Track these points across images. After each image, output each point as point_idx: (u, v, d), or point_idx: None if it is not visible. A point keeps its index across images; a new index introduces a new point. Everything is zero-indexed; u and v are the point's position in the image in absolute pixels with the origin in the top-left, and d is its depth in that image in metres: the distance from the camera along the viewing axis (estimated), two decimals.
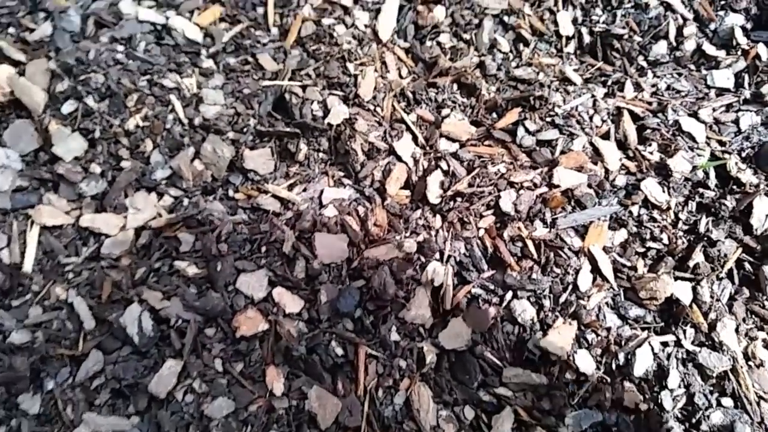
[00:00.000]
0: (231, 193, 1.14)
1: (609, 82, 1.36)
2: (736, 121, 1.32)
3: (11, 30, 1.21)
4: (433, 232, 1.11)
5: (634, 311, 1.09)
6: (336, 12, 1.34)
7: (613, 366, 1.04)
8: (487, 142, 1.23)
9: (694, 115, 1.31)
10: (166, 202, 1.12)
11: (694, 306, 1.09)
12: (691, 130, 1.27)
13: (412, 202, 1.16)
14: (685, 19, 1.46)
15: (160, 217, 1.09)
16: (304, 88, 1.22)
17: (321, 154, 1.18)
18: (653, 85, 1.37)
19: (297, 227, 1.09)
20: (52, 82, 1.16)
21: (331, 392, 0.99)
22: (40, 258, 1.05)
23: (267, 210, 1.11)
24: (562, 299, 1.07)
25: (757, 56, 1.41)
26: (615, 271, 1.12)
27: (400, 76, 1.30)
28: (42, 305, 1.02)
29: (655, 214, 1.17)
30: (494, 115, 1.27)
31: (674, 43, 1.43)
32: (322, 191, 1.14)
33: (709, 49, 1.43)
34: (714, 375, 1.03)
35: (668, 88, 1.37)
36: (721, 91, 1.38)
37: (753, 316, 1.11)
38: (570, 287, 1.08)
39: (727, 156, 1.25)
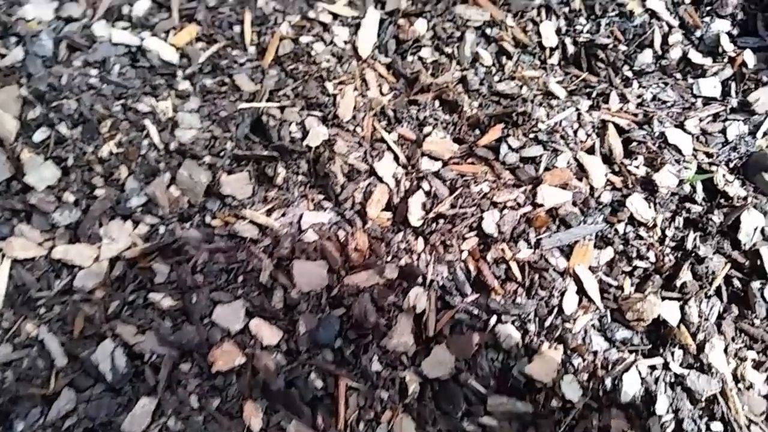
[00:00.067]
0: (208, 219, 1.11)
1: (594, 94, 1.33)
2: (723, 131, 1.30)
3: None
4: (415, 256, 1.09)
5: (621, 333, 1.07)
6: (314, 29, 1.31)
7: (600, 392, 1.01)
8: (469, 160, 1.20)
9: (681, 126, 1.29)
10: (142, 230, 1.09)
11: (682, 327, 1.07)
12: (678, 142, 1.25)
13: (394, 224, 1.13)
14: (670, 27, 1.44)
15: (135, 247, 1.07)
16: (282, 109, 1.19)
17: (300, 177, 1.15)
18: (639, 96, 1.34)
19: (275, 255, 1.06)
20: (23, 110, 1.14)
21: (311, 427, 0.97)
22: (11, 293, 1.03)
23: (244, 237, 1.08)
24: (547, 323, 1.05)
25: (744, 63, 1.38)
26: (601, 291, 1.09)
27: (381, 93, 1.27)
28: (12, 343, 0.99)
29: (642, 231, 1.14)
30: (477, 131, 1.24)
31: (660, 52, 1.41)
32: (301, 215, 1.12)
33: (695, 56, 1.41)
34: (703, 399, 1.01)
35: (654, 98, 1.35)
36: (708, 100, 1.36)
37: (742, 335, 1.09)
38: (555, 310, 1.06)
39: (714, 168, 1.22)
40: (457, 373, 1.02)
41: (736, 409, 1.00)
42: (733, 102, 1.35)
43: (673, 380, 1.03)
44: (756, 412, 1.01)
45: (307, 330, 1.01)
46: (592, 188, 1.18)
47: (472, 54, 1.34)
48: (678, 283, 1.10)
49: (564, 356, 1.04)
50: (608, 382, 1.02)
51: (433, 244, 1.10)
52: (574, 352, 1.04)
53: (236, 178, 1.14)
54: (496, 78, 1.33)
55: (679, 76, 1.40)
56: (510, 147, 1.20)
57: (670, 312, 1.07)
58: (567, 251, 1.12)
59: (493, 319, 1.05)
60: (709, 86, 1.37)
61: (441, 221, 1.12)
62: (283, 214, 1.12)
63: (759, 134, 1.29)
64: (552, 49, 1.40)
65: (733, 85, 1.37)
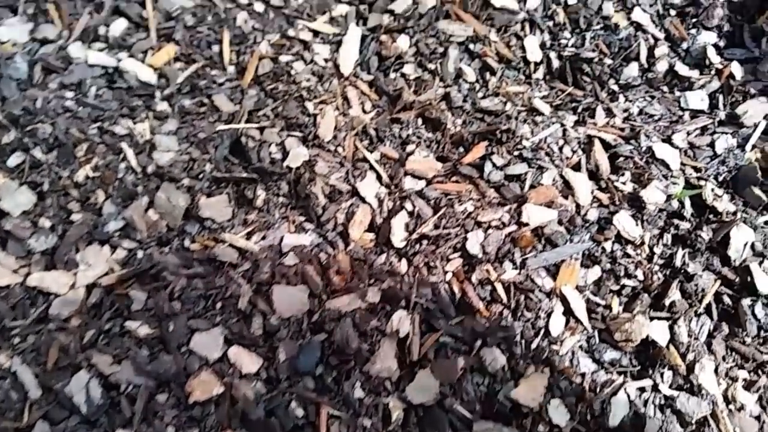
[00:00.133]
0: (187, 243, 1.09)
1: (579, 109, 1.31)
2: (712, 145, 1.28)
3: None
4: (398, 279, 1.06)
5: (609, 354, 1.05)
6: (294, 47, 1.29)
7: (588, 416, 0.99)
8: (453, 179, 1.18)
9: (668, 140, 1.27)
10: (120, 255, 1.07)
11: (671, 347, 1.05)
12: (665, 157, 1.23)
13: (377, 245, 1.11)
14: (656, 39, 1.42)
15: (112, 273, 1.05)
16: (261, 130, 1.18)
17: (281, 199, 1.13)
18: (625, 110, 1.33)
19: (254, 280, 1.04)
20: None
21: None
22: None
23: (223, 262, 1.06)
24: (533, 345, 1.03)
25: (731, 75, 1.37)
26: (589, 311, 1.07)
27: (364, 111, 1.25)
28: None
29: (629, 249, 1.13)
30: (461, 149, 1.22)
31: (646, 65, 1.40)
32: (282, 238, 1.10)
33: (682, 69, 1.39)
34: (693, 421, 0.99)
35: (641, 112, 1.33)
36: (696, 113, 1.34)
37: (733, 353, 1.07)
38: (542, 332, 1.04)
39: (702, 182, 1.20)
40: (442, 398, 1.00)
41: None
42: (721, 114, 1.33)
43: (662, 402, 1.01)
44: None
45: (287, 357, 0.99)
46: (578, 206, 1.16)
47: (455, 70, 1.33)
48: (667, 301, 1.08)
49: (551, 379, 1.01)
50: (596, 405, 1.00)
51: (416, 266, 1.08)
52: (562, 374, 1.02)
53: (215, 200, 1.12)
54: (480, 94, 1.31)
55: (665, 89, 1.38)
56: (494, 165, 1.18)
57: (659, 332, 1.05)
58: (553, 271, 1.10)
59: (479, 342, 1.03)
60: (697, 99, 1.35)
61: (425, 242, 1.10)
62: (264, 237, 1.10)
63: (748, 147, 1.27)
64: (536, 64, 1.38)
65: (721, 97, 1.36)
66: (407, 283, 1.06)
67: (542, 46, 1.40)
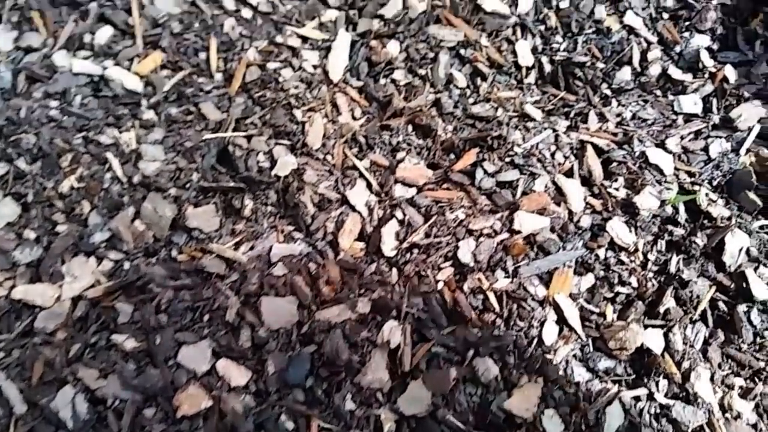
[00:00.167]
0: (174, 253, 1.08)
1: (572, 114, 1.30)
2: (706, 149, 1.27)
3: None
4: (389, 288, 1.05)
5: (604, 363, 1.03)
6: (282, 54, 1.28)
7: (583, 426, 0.98)
8: (444, 186, 1.17)
9: (662, 144, 1.26)
10: (106, 266, 1.05)
11: (666, 355, 1.03)
12: (659, 162, 1.22)
13: (367, 254, 1.10)
14: (649, 43, 1.41)
15: (98, 285, 1.03)
16: (249, 138, 1.16)
17: (269, 208, 1.12)
18: (618, 115, 1.31)
19: (242, 291, 1.02)
20: None
21: None
22: None
23: (211, 273, 1.04)
24: (527, 354, 1.02)
25: (725, 78, 1.36)
26: (582, 319, 1.06)
27: (354, 117, 1.24)
28: None
29: (623, 256, 1.11)
30: (452, 156, 1.21)
31: (639, 69, 1.39)
32: (270, 248, 1.08)
33: (675, 73, 1.38)
34: (689, 431, 0.98)
35: (634, 116, 1.32)
36: (689, 117, 1.33)
37: (729, 361, 1.06)
38: (535, 341, 1.03)
39: (697, 187, 1.19)
40: (435, 409, 0.98)
41: None
42: (715, 118, 1.32)
43: (658, 412, 1.00)
44: None
45: (276, 369, 0.98)
46: (570, 212, 1.14)
47: (446, 75, 1.31)
48: (661, 309, 1.07)
49: (545, 389, 1.00)
50: (591, 415, 0.98)
51: (407, 275, 1.07)
52: (555, 384, 1.00)
53: (203, 210, 1.10)
54: (471, 100, 1.30)
55: (659, 93, 1.37)
56: (486, 172, 1.17)
57: (653, 340, 1.04)
58: (546, 279, 1.09)
59: (471, 352, 1.01)
60: (690, 103, 1.34)
61: (415, 251, 1.09)
62: (252, 247, 1.08)
63: (742, 151, 1.26)
64: (528, 69, 1.37)
65: (715, 101, 1.35)
66: (398, 293, 1.05)
67: (534, 50, 1.39)
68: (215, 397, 0.95)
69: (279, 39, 1.30)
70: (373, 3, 1.37)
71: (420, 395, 0.98)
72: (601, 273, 1.10)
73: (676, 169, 1.23)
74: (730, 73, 1.36)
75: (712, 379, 1.03)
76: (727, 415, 1.01)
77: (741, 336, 1.07)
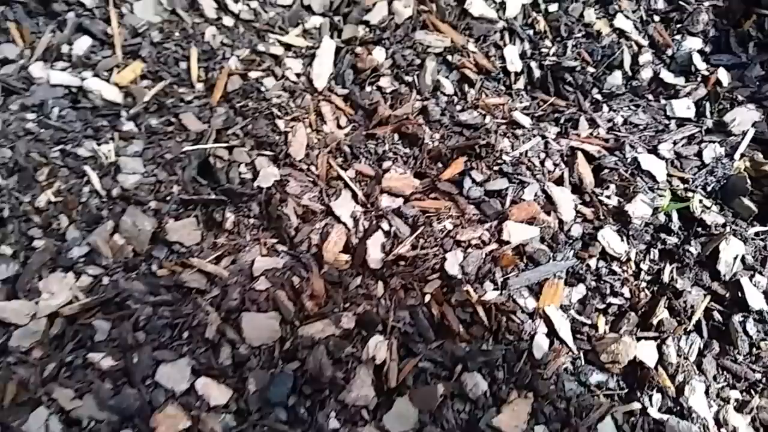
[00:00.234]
0: (154, 268, 1.05)
1: (562, 120, 1.28)
2: (699, 154, 1.24)
3: None
4: (374, 302, 1.02)
5: (596, 377, 1.00)
6: (265, 63, 1.26)
7: None
8: (432, 195, 1.14)
9: (654, 150, 1.23)
10: (84, 282, 1.03)
11: (660, 368, 1.01)
12: (651, 168, 1.19)
13: (353, 267, 1.07)
14: (640, 47, 1.39)
15: (75, 301, 1.00)
16: (230, 149, 1.14)
17: (251, 221, 1.09)
18: (609, 120, 1.29)
19: (223, 306, 1.00)
20: None
21: None
22: None
23: (191, 288, 1.01)
24: (516, 369, 0.99)
25: (718, 82, 1.33)
26: (574, 332, 1.03)
27: (339, 126, 1.21)
28: None
29: (615, 266, 1.09)
30: (439, 164, 1.18)
31: (630, 73, 1.36)
32: (253, 261, 1.05)
33: (667, 76, 1.36)
34: None
35: (625, 122, 1.29)
36: (682, 122, 1.30)
37: (724, 373, 1.03)
38: (525, 355, 1.00)
39: (690, 194, 1.16)
40: (422, 426, 0.95)
41: None
42: (708, 123, 1.29)
43: (651, 427, 0.97)
44: None
45: (257, 387, 0.95)
46: (561, 222, 1.12)
47: (433, 82, 1.29)
48: (655, 320, 1.04)
49: (535, 405, 0.97)
50: (583, 431, 0.95)
51: (393, 288, 1.04)
52: (546, 399, 0.98)
53: (183, 224, 1.08)
54: (459, 107, 1.27)
55: (650, 97, 1.35)
56: (474, 180, 1.15)
57: (646, 352, 1.01)
58: (536, 290, 1.06)
59: (459, 366, 0.99)
60: (683, 107, 1.31)
61: (402, 263, 1.06)
62: (234, 261, 1.06)
63: (736, 156, 1.24)
64: (517, 74, 1.35)
65: (708, 105, 1.32)
66: (384, 307, 1.02)
67: (522, 55, 1.37)
68: (194, 417, 0.92)
69: (261, 47, 1.27)
70: (358, 9, 1.35)
71: (406, 412, 0.96)
72: (593, 284, 1.08)
73: (669, 175, 1.20)
74: (723, 76, 1.34)
75: (707, 392, 1.00)
76: (723, 429, 0.98)
77: (737, 347, 1.04)
